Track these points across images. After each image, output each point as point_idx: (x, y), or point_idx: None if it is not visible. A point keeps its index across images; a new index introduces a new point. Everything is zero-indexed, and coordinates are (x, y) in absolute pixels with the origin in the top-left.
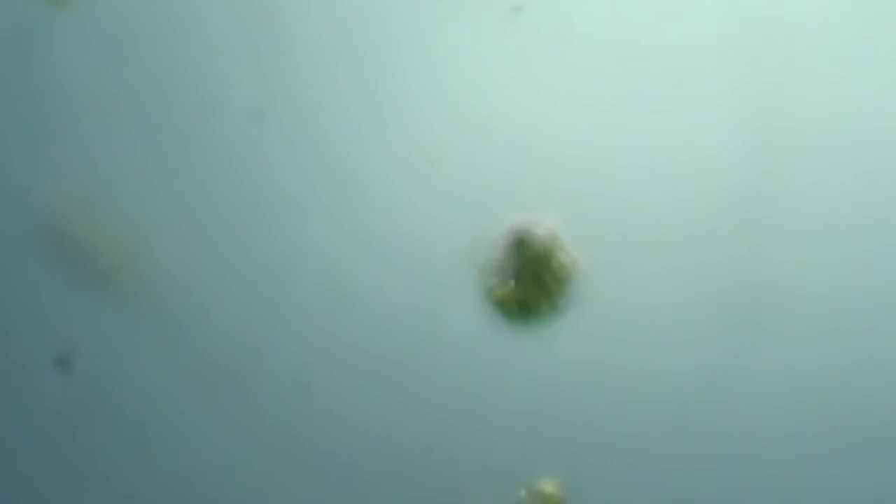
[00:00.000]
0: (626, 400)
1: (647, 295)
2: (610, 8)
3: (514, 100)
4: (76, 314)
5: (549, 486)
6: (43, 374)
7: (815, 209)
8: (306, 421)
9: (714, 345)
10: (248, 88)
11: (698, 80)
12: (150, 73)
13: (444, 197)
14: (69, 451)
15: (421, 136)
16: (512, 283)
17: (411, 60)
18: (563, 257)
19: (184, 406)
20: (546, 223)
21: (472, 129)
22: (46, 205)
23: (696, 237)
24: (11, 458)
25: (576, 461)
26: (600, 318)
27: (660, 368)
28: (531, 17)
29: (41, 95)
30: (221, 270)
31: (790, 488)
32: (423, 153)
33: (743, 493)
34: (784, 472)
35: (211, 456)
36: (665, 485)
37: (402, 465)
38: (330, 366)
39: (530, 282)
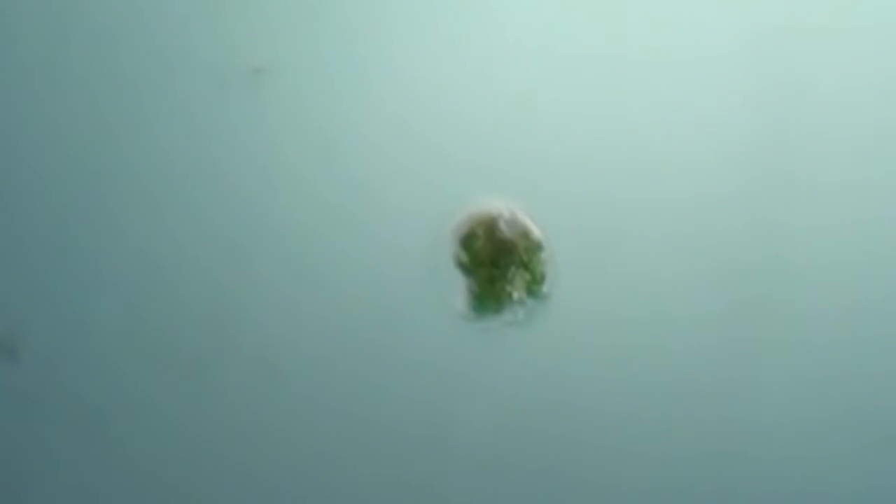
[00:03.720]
0: (621, 384)
1: (643, 270)
2: None
3: (498, 57)
4: (23, 296)
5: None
6: None
7: (827, 174)
8: (276, 407)
9: (718, 323)
10: (213, 54)
11: (700, 34)
12: (105, 32)
13: (419, 175)
14: (20, 443)
15: (399, 113)
16: (486, 272)
17: (397, 31)
18: (533, 237)
19: (144, 393)
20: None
21: (455, 105)
22: None
23: (697, 206)
24: None
25: (571, 451)
26: (591, 298)
27: (658, 349)
28: None
29: None
30: (184, 246)
31: (800, 472)
32: (400, 130)
33: (749, 481)
34: (794, 455)
35: (174, 447)
36: (667, 472)
37: (376, 453)
38: (301, 348)
39: (504, 268)
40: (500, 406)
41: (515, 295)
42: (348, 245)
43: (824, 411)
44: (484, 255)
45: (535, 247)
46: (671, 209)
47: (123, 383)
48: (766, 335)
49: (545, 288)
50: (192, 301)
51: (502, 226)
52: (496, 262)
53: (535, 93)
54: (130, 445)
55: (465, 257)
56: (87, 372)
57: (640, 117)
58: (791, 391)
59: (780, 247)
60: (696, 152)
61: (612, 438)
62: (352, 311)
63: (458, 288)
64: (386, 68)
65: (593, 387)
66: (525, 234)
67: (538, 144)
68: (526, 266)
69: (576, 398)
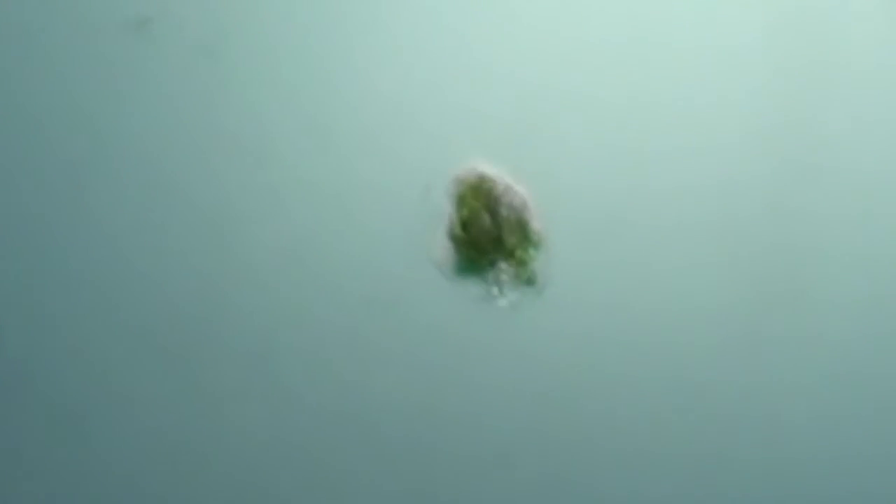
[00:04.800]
0: (629, 379)
1: (654, 255)
2: None
3: (495, 30)
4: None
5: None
6: None
7: (856, 156)
8: (263, 397)
9: (737, 314)
10: (194, 23)
11: (720, 17)
12: None
13: (411, 144)
14: None
15: (388, 74)
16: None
17: None
18: (532, 227)
19: (125, 387)
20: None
21: (443, 66)
22: None
23: (716, 187)
24: None
25: (572, 450)
26: (593, 291)
27: (671, 342)
28: None
29: None
30: (162, 228)
31: (828, 475)
32: (391, 94)
33: (771, 484)
34: (822, 457)
35: (156, 441)
36: (678, 473)
37: (369, 443)
38: (290, 335)
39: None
40: (491, 390)
41: (503, 281)
42: (331, 219)
43: (840, 410)
44: (479, 234)
45: (534, 239)
46: (685, 198)
47: (102, 377)
48: (782, 330)
49: (538, 280)
50: (172, 284)
51: (503, 209)
52: (490, 245)
53: (548, 77)
54: (110, 442)
55: (459, 231)
56: (64, 365)
57: (658, 104)
58: (807, 388)
59: (800, 236)
60: (714, 139)
61: (611, 438)
62: (343, 296)
63: (447, 256)
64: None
65: (584, 382)
66: (525, 222)
67: (553, 128)
68: (520, 256)
69: (563, 393)
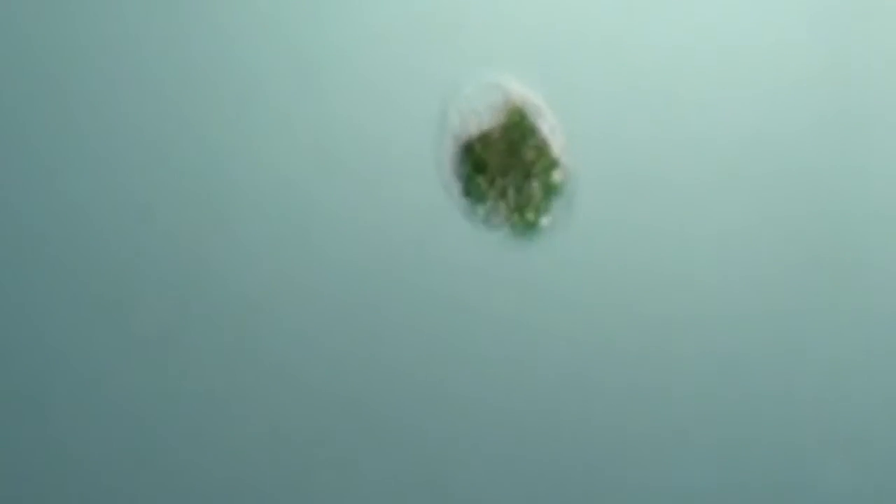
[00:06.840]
0: (648, 346)
1: (683, 216)
2: None
3: None
4: None
5: None
6: None
7: None
8: (246, 381)
9: (777, 280)
10: None
11: None
12: None
13: (426, 57)
14: None
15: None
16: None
17: None
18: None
19: (92, 365)
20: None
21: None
22: None
23: (754, 137)
24: None
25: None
26: (611, 241)
27: (699, 311)
28: None
29: None
30: (137, 187)
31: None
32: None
33: (813, 467)
34: (871, 441)
35: (130, 431)
36: (708, 454)
37: (363, 434)
38: (278, 314)
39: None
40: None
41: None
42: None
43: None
44: (496, 154)
45: (556, 164)
46: (723, 148)
47: (67, 354)
48: (828, 298)
49: (543, 218)
50: (149, 253)
51: (526, 130)
52: (507, 165)
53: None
54: (75, 428)
55: (475, 150)
56: (25, 340)
57: (701, 48)
58: (863, 371)
59: (848, 195)
60: (754, 89)
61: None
62: (348, 223)
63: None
64: None
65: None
66: (547, 146)
67: (582, 49)
68: (540, 181)
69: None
